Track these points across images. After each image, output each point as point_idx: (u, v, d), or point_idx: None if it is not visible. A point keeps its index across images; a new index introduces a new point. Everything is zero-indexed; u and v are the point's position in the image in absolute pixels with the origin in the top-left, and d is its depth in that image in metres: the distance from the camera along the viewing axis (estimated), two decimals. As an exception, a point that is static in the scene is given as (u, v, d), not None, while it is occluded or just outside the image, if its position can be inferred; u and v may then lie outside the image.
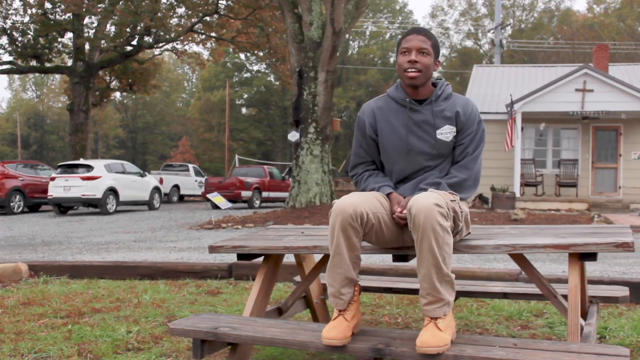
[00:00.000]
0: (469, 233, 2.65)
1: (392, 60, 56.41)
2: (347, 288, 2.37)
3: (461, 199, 2.56)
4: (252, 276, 5.27)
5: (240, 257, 2.86)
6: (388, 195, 2.58)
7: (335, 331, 2.27)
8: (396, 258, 2.61)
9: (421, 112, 2.64)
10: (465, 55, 51.47)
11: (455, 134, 2.64)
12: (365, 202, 2.40)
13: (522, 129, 17.53)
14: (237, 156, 33.96)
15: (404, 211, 2.42)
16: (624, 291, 3.19)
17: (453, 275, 2.30)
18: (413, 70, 2.58)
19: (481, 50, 53.26)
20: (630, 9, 45.51)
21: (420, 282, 2.28)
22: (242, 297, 4.58)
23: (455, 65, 50.71)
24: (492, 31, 38.41)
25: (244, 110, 55.71)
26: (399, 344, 2.24)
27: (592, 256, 2.42)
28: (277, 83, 43.43)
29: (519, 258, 2.61)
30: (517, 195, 16.46)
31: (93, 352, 3.19)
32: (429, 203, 2.23)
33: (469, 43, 55.47)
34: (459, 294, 3.29)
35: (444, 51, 57.74)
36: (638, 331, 3.48)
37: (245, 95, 54.50)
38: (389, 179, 2.68)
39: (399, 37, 2.69)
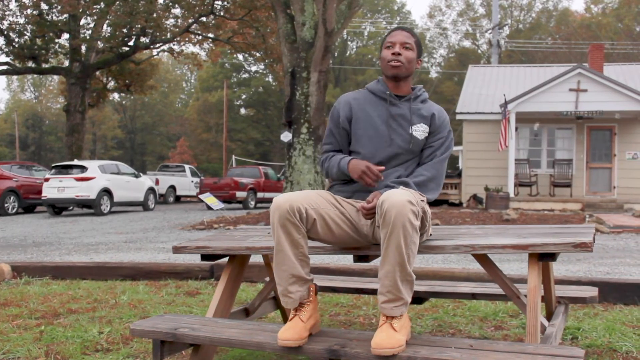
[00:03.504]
0: (431, 235, 2.64)
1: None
2: (296, 286, 2.36)
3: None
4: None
5: (204, 257, 2.85)
6: (349, 163, 2.58)
7: (290, 332, 2.26)
8: (357, 258, 2.60)
9: (399, 106, 2.67)
10: (463, 55, 51.46)
11: (427, 134, 2.67)
12: (303, 198, 2.40)
13: (517, 129, 17.53)
14: (233, 157, 33.95)
15: (368, 205, 2.39)
16: (592, 291, 3.17)
17: (414, 276, 2.29)
18: (396, 60, 2.62)
19: (479, 51, 53.28)
20: (627, 8, 45.50)
21: (381, 279, 2.25)
22: (220, 298, 4.57)
23: (453, 66, 50.71)
24: (489, 31, 38.41)
25: (242, 110, 55.71)
26: (355, 345, 2.23)
27: (551, 256, 2.40)
28: (275, 84, 43.47)
29: (481, 258, 2.60)
30: (511, 195, 16.45)
31: (61, 353, 3.18)
32: (402, 200, 2.21)
33: (467, 43, 55.48)
34: (428, 295, 3.28)
35: (441, 51, 57.78)
36: (610, 332, 3.47)
37: (244, 96, 54.50)
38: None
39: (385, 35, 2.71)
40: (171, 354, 2.59)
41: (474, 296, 3.20)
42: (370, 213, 2.40)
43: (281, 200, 2.36)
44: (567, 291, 3.19)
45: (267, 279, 3.48)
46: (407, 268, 2.23)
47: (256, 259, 4.85)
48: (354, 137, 2.70)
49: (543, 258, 2.42)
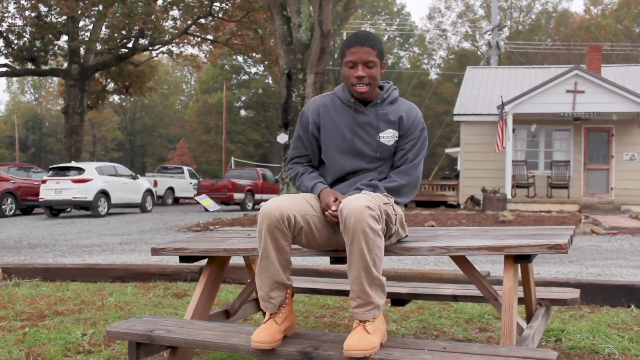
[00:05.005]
0: (407, 236, 2.64)
1: (389, 62, 56.39)
2: (277, 292, 2.35)
3: (397, 203, 2.55)
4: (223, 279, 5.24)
5: (183, 259, 2.84)
6: (320, 192, 2.52)
7: (263, 334, 2.25)
8: (334, 260, 2.60)
9: (365, 113, 2.60)
10: (462, 57, 51.47)
11: (397, 138, 2.60)
12: (292, 204, 2.36)
13: (514, 130, 17.52)
14: (232, 158, 33.95)
15: (335, 210, 2.39)
16: (573, 293, 3.16)
17: (384, 279, 2.28)
18: (362, 85, 2.52)
19: (479, 52, 53.29)
20: (627, 10, 45.50)
21: (350, 284, 2.27)
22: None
23: (452, 67, 50.71)
24: (489, 33, 38.41)
25: (242, 112, 55.73)
26: (328, 347, 2.23)
27: (526, 258, 2.40)
28: (275, 85, 43.51)
29: (458, 260, 2.60)
30: (509, 196, 16.44)
31: (42, 355, 3.17)
32: (360, 205, 2.20)
33: (466, 45, 55.50)
34: (410, 297, 3.28)
35: (441, 53, 57.79)
36: (594, 334, 3.46)
37: (243, 98, 54.54)
38: (322, 178, 2.65)
39: (343, 43, 2.61)
40: (148, 356, 2.59)
41: (455, 298, 3.19)
42: (335, 218, 2.39)
43: (271, 207, 2.29)
44: (548, 293, 3.18)
45: (249, 280, 3.48)
46: (373, 272, 2.22)
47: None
48: (323, 146, 2.65)
49: (518, 260, 2.42)
